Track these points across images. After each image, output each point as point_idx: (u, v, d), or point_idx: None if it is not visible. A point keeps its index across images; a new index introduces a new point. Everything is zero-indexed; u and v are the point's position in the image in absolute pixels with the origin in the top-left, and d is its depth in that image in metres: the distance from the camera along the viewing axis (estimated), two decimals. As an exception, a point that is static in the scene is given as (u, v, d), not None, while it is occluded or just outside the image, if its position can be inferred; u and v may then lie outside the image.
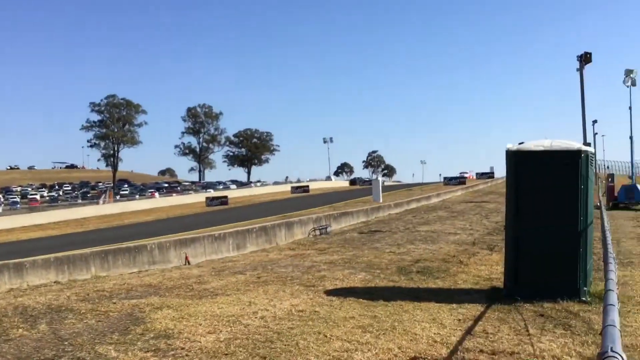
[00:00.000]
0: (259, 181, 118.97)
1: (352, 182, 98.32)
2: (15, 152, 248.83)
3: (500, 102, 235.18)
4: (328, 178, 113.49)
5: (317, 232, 21.25)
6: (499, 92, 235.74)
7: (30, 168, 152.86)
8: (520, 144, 9.53)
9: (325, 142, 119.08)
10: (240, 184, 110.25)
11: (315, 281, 11.13)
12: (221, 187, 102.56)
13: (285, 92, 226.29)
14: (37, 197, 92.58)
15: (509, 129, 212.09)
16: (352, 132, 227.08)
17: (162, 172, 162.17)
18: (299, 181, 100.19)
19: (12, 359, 6.65)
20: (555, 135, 9.68)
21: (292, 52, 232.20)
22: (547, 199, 9.02)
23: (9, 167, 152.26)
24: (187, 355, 6.52)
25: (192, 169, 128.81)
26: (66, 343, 7.22)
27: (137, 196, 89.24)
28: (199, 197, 69.99)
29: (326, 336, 7.12)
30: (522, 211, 9.14)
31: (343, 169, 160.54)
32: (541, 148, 9.24)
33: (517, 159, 9.23)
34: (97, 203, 70.77)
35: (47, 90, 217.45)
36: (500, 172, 70.31)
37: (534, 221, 9.06)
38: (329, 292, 10.00)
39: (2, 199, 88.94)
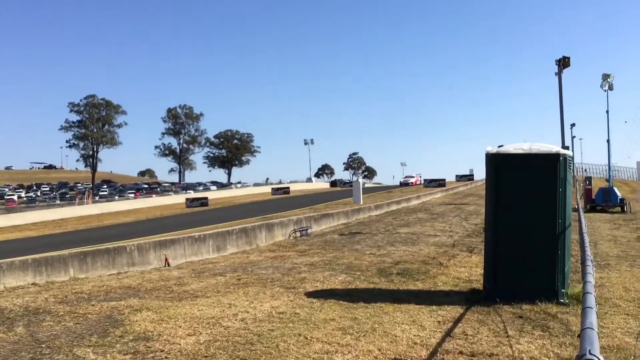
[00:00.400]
0: (239, 182, 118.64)
1: (333, 183, 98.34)
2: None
3: (480, 105, 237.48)
4: (309, 180, 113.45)
5: (298, 234, 21.25)
6: (478, 95, 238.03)
7: (8, 168, 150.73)
8: (499, 146, 9.63)
9: (306, 143, 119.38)
10: (220, 185, 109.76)
11: (295, 283, 11.13)
12: (201, 188, 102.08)
13: (266, 94, 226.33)
14: (15, 197, 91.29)
15: (488, 132, 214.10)
16: (333, 134, 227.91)
17: (142, 173, 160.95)
18: (280, 182, 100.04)
19: (-12, 362, 6.56)
20: (534, 138, 9.82)
21: (273, 53, 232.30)
22: (526, 202, 9.11)
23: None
24: (166, 357, 6.48)
25: (172, 170, 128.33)
26: (44, 346, 7.13)
27: (117, 197, 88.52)
28: (179, 199, 69.54)
29: (306, 338, 7.12)
30: (501, 213, 9.22)
31: (324, 170, 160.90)
32: (520, 151, 9.34)
33: (497, 162, 9.32)
34: (76, 204, 69.90)
35: (25, 90, 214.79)
36: (480, 174, 70.73)
37: (513, 223, 9.15)
38: (310, 294, 10.00)
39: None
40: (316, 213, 27.67)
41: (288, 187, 74.15)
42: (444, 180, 65.10)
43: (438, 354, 6.49)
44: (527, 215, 9.09)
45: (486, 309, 8.57)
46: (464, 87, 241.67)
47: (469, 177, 75.19)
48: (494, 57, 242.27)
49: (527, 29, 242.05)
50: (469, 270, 12.34)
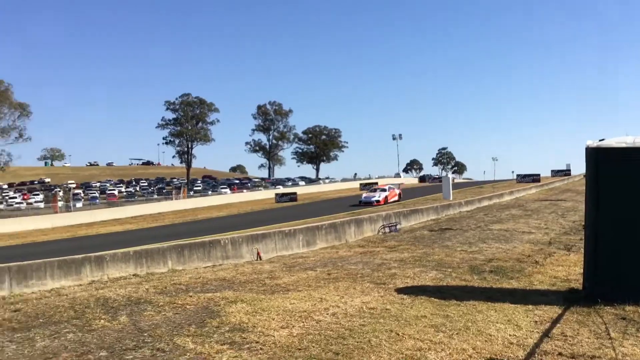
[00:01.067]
0: (327, 178, 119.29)
1: (422, 179, 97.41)
2: (95, 149, 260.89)
3: (577, 97, 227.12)
4: (397, 175, 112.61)
5: (387, 230, 21.17)
6: (575, 86, 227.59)
7: (109, 164, 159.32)
8: (600, 140, 9.16)
9: (394, 138, 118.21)
10: (308, 181, 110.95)
11: (385, 279, 11.10)
12: (290, 183, 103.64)
13: (355, 89, 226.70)
14: (115, 192, 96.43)
15: (586, 126, 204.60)
16: (422, 129, 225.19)
17: (233, 169, 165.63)
18: (368, 178, 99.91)
19: (95, 349, 6.96)
20: (637, 132, 9.24)
21: (362, 49, 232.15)
22: (629, 197, 8.63)
23: (88, 164, 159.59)
24: (261, 349, 6.64)
25: (262, 166, 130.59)
26: (146, 334, 7.51)
27: (210, 192, 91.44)
28: (269, 194, 71.00)
29: (398, 334, 7.09)
30: (603, 210, 8.79)
31: (412, 165, 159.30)
32: (624, 145, 8.85)
33: (598, 156, 8.88)
34: (172, 199, 72.80)
35: (125, 90, 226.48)
36: (577, 169, 67.58)
37: (616, 219, 8.70)
38: (400, 290, 9.94)
39: (82, 195, 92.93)
40: (405, 209, 27.45)
41: (376, 183, 73.99)
42: (539, 175, 62.76)
43: (536, 355, 6.28)
44: (631, 211, 8.61)
45: (586, 309, 8.20)
46: (559, 79, 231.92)
47: (566, 172, 72.15)
48: (592, 48, 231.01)
49: (625, 22, 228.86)
50: (567, 269, 11.85)
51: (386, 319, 7.86)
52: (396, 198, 42.79)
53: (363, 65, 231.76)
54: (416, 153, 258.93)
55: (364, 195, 43.13)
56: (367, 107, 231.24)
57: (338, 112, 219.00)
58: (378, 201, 40.06)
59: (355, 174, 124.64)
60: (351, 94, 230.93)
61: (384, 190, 43.40)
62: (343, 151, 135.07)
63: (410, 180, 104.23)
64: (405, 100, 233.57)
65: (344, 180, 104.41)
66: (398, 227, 21.69)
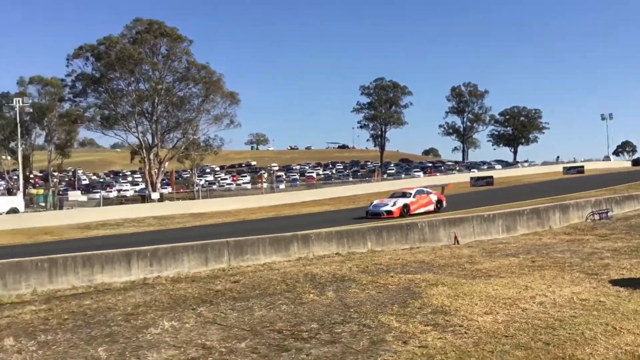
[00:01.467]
0: (526, 161, 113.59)
1: (635, 162, 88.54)
2: (295, 134, 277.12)
3: None
4: (606, 158, 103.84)
5: (596, 217, 19.68)
6: None
7: (308, 148, 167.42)
8: None
9: (603, 118, 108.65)
10: (505, 164, 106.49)
11: (597, 269, 10.38)
12: (485, 167, 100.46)
13: (556, 67, 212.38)
14: (314, 174, 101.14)
15: None
16: (636, 107, 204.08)
17: (426, 152, 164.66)
18: (573, 161, 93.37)
19: (306, 321, 7.43)
20: None
21: (563, 22, 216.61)
22: None
23: (289, 148, 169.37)
24: (466, 332, 6.59)
25: (455, 149, 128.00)
26: (352, 310, 7.85)
27: (403, 175, 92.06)
28: (463, 177, 69.43)
29: (615, 328, 6.59)
30: None
31: (624, 148, 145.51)
32: None
33: None
34: (367, 181, 74.48)
35: (322, 78, 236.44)
36: None
37: None
38: (615, 282, 9.23)
39: (284, 177, 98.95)
40: (617, 194, 25.25)
41: (582, 166, 68.96)
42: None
43: None
44: None
45: None
46: None
47: None
48: None
49: None
50: None
51: (600, 312, 7.36)
52: (430, 208, 29.12)
53: (566, 41, 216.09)
54: (629, 134, 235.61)
55: (374, 202, 30.47)
56: (572, 84, 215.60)
57: (539, 92, 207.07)
58: (390, 212, 27.79)
59: (558, 157, 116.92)
60: (553, 71, 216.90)
61: (407, 196, 29.82)
62: (544, 133, 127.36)
63: (623, 163, 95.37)
64: (615, 76, 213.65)
65: (545, 163, 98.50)
66: (609, 214, 20.05)
